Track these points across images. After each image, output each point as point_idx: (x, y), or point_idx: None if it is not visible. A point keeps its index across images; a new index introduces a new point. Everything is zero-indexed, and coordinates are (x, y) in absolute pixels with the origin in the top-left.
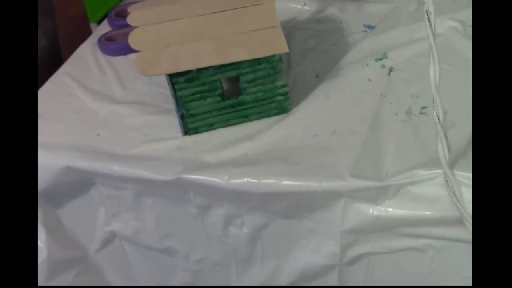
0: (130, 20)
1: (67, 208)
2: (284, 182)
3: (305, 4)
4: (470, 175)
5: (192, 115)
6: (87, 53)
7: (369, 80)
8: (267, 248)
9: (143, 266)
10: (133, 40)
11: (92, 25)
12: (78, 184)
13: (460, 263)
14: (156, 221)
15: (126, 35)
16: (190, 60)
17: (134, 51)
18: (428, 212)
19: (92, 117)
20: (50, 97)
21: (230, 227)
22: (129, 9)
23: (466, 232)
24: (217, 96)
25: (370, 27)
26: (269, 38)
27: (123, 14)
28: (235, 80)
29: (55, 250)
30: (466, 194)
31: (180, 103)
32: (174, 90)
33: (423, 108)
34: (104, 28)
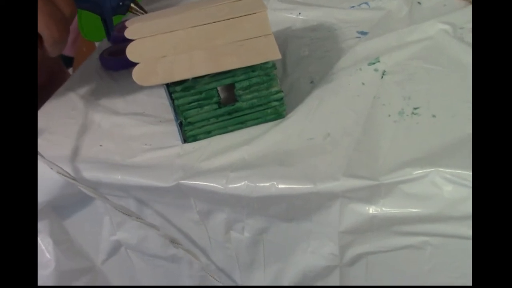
0: (127, 33)
1: (73, 219)
2: (280, 185)
3: (300, 13)
4: (456, 171)
5: (190, 123)
6: (90, 68)
7: (363, 83)
8: (269, 251)
9: (149, 275)
10: (130, 52)
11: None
12: (83, 194)
13: (458, 260)
14: (160, 228)
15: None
16: (185, 69)
17: (135, 64)
18: (422, 210)
19: (95, 129)
20: (54, 112)
21: (232, 232)
22: (127, 23)
23: (462, 228)
24: (214, 103)
25: (363, 33)
26: (262, 46)
27: (123, 30)
28: (231, 87)
29: (63, 261)
30: (453, 192)
31: (178, 111)
32: (172, 99)
33: (415, 108)
34: (106, 44)
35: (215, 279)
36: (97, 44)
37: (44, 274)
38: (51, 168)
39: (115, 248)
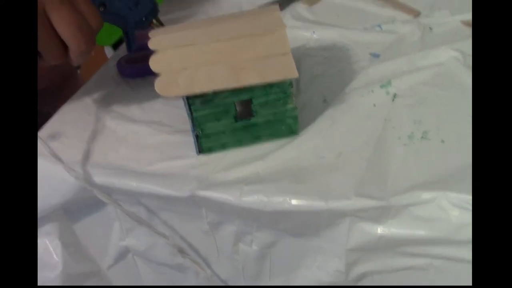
0: (151, 44)
1: (83, 223)
2: (293, 201)
3: (314, 32)
4: (463, 196)
5: (206, 135)
6: (106, 75)
7: (374, 105)
8: (275, 265)
9: (155, 283)
10: (153, 63)
11: (106, 49)
12: (95, 199)
13: (461, 283)
14: (169, 237)
15: (144, 58)
16: (206, 83)
17: (152, 73)
18: (428, 232)
19: (111, 136)
20: (71, 116)
21: (240, 244)
22: (150, 34)
23: (467, 253)
24: (231, 117)
25: (375, 55)
26: (281, 64)
27: (140, 39)
28: (247, 102)
29: (70, 264)
30: (459, 216)
31: (196, 123)
32: (190, 111)
33: (425, 133)
34: (123, 51)
35: None
36: (106, 50)
37: (51, 276)
38: (73, 176)
39: (123, 254)
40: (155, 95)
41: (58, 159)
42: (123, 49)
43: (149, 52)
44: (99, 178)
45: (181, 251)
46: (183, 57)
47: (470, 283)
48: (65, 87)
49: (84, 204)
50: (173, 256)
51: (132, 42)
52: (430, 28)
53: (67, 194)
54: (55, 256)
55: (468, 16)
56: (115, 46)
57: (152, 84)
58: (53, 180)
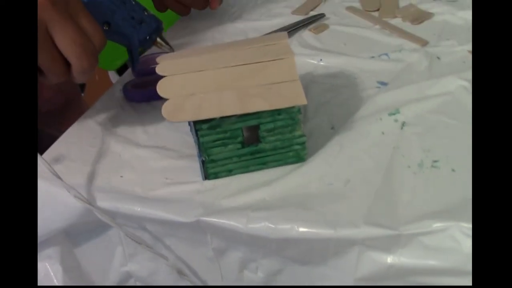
0: (158, 69)
1: (85, 248)
2: (301, 229)
3: (321, 59)
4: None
5: (213, 161)
6: (112, 99)
7: (382, 133)
8: None
9: None
10: (161, 88)
11: (111, 74)
12: (98, 223)
13: None
14: (172, 262)
15: (150, 83)
16: (213, 108)
17: (157, 98)
18: (439, 263)
19: (116, 160)
20: (76, 139)
21: (245, 271)
22: (158, 59)
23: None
24: (237, 143)
25: (383, 83)
26: (289, 91)
27: (147, 63)
28: (254, 128)
29: None
30: (469, 247)
31: (202, 148)
32: (197, 136)
33: (435, 161)
34: (128, 76)
35: None
36: (110, 74)
37: None
38: (72, 195)
39: (124, 279)
40: (161, 120)
41: (60, 179)
42: (129, 73)
43: (155, 77)
44: (104, 202)
45: (180, 272)
46: (190, 83)
47: None
48: (69, 110)
49: (86, 229)
50: (175, 282)
51: (135, 60)
52: (438, 58)
53: (70, 218)
54: (55, 280)
55: None
56: (120, 72)
57: (158, 109)
58: (56, 203)
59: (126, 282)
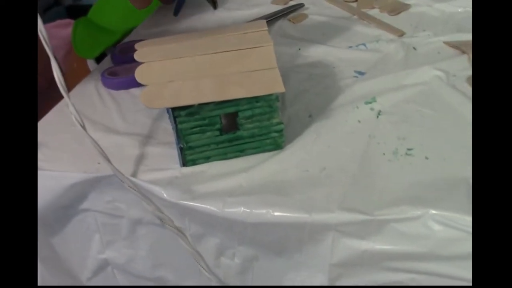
0: (137, 56)
1: (61, 236)
2: (276, 213)
3: (299, 49)
4: (447, 214)
5: (191, 148)
6: (89, 86)
7: (359, 121)
8: (258, 279)
9: None
10: (139, 75)
11: (89, 62)
12: (75, 210)
13: None
14: (149, 250)
15: (129, 70)
16: (192, 95)
17: (135, 85)
18: (412, 248)
19: (93, 147)
20: (52, 127)
21: (222, 258)
22: (136, 46)
23: (450, 269)
24: (215, 130)
25: (360, 73)
26: (267, 78)
27: (126, 51)
28: (233, 115)
29: (48, 278)
30: (443, 233)
31: (180, 135)
32: (175, 123)
33: (409, 149)
34: (107, 63)
35: None
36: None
37: None
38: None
39: (102, 267)
40: (139, 108)
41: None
42: (107, 61)
43: (133, 65)
44: (80, 185)
45: (163, 220)
46: (169, 70)
47: None
48: (53, 89)
49: (62, 216)
50: (153, 269)
51: (180, 5)
52: (414, 48)
53: (43, 205)
54: None
55: (451, 38)
56: (98, 60)
57: (136, 97)
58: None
59: (104, 270)
